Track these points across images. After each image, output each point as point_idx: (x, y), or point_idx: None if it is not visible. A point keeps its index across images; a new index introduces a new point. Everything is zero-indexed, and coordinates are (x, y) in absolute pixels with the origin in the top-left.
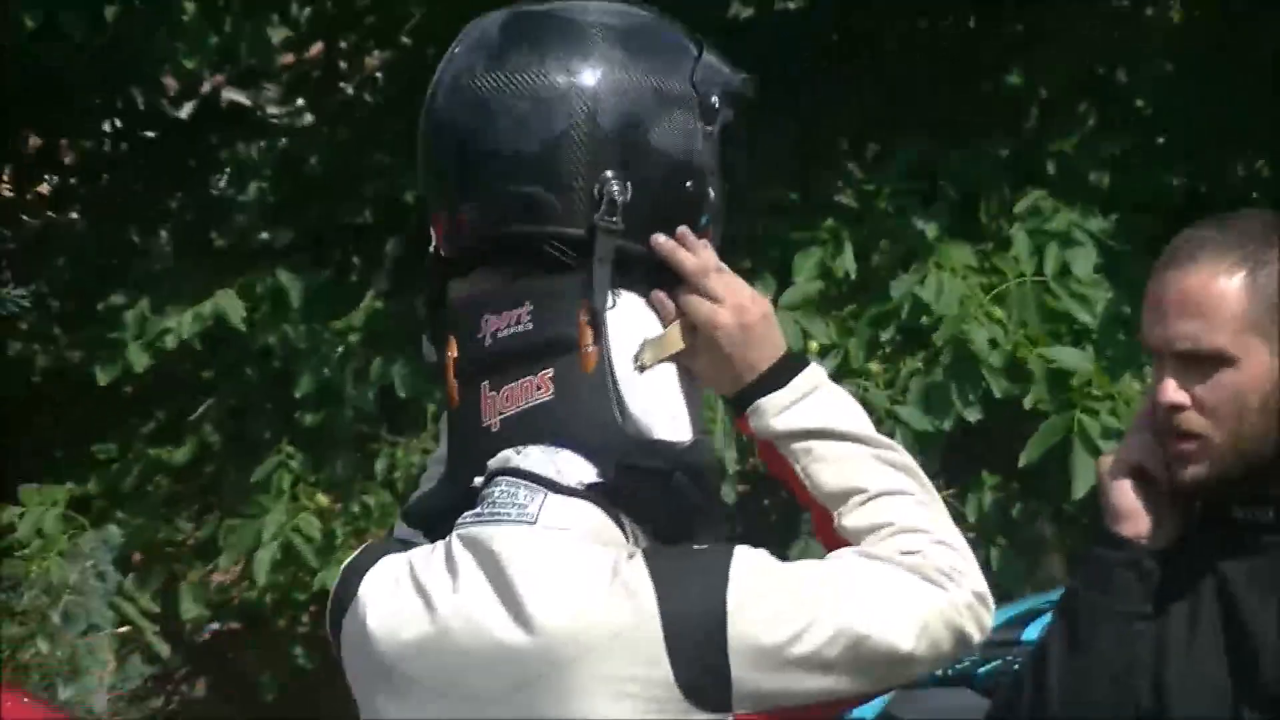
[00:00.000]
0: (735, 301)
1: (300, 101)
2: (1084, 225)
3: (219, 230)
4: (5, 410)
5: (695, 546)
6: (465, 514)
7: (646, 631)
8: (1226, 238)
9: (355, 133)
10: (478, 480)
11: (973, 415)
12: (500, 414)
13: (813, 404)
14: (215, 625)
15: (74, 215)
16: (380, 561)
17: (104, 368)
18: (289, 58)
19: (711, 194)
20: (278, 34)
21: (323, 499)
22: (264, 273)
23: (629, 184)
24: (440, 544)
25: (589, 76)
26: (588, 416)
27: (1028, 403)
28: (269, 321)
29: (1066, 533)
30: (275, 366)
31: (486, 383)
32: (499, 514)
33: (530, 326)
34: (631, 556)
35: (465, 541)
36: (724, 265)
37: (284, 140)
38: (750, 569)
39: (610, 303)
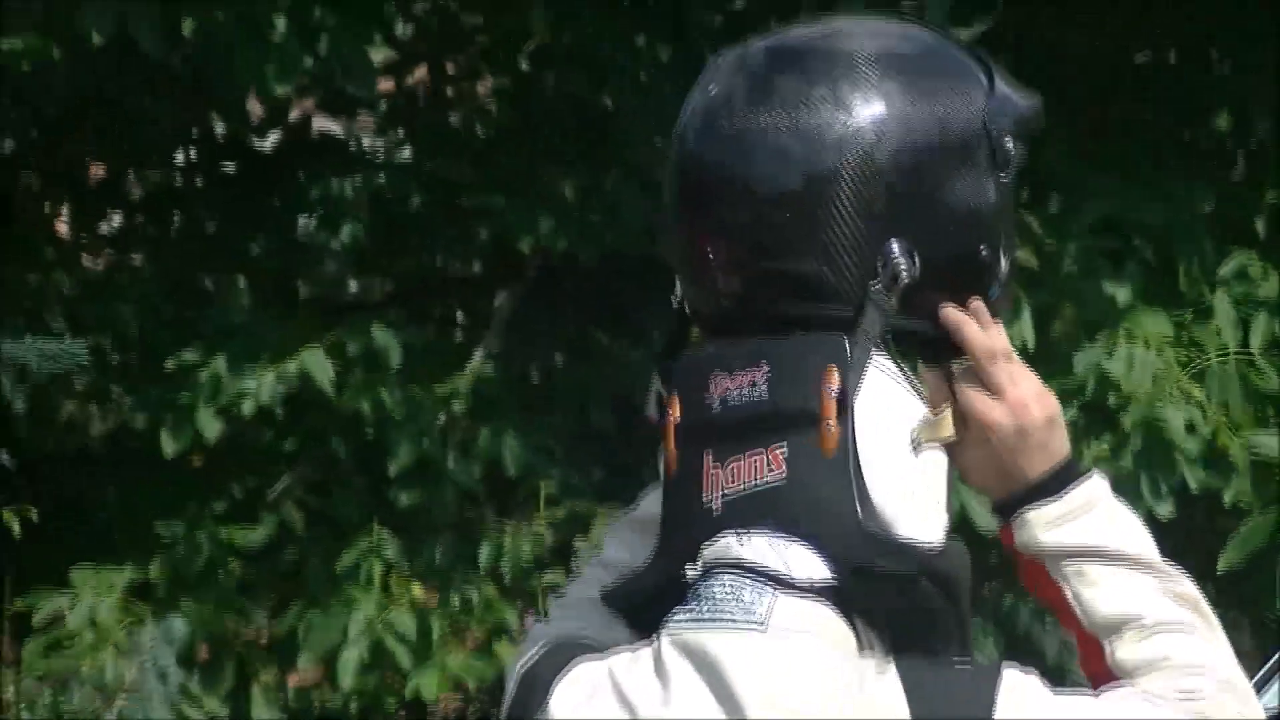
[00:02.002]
0: (1018, 398)
1: (400, 132)
2: None
3: (305, 278)
4: (56, 481)
5: (956, 663)
6: (677, 612)
7: None
8: None
9: (463, 170)
10: (690, 571)
11: (1164, 510)
12: (723, 492)
13: (1090, 520)
14: None
15: (139, 258)
16: (573, 668)
17: (171, 434)
18: (389, 82)
19: (1003, 261)
20: (377, 54)
21: (418, 591)
22: (356, 328)
23: (915, 256)
24: (645, 649)
25: (863, 116)
26: (823, 506)
27: (1228, 497)
28: (361, 385)
29: (1271, 647)
30: (367, 436)
31: (710, 452)
32: (720, 616)
33: (765, 393)
34: (882, 671)
35: (679, 647)
36: (1013, 352)
37: (381, 176)
38: (1021, 694)
39: (864, 374)
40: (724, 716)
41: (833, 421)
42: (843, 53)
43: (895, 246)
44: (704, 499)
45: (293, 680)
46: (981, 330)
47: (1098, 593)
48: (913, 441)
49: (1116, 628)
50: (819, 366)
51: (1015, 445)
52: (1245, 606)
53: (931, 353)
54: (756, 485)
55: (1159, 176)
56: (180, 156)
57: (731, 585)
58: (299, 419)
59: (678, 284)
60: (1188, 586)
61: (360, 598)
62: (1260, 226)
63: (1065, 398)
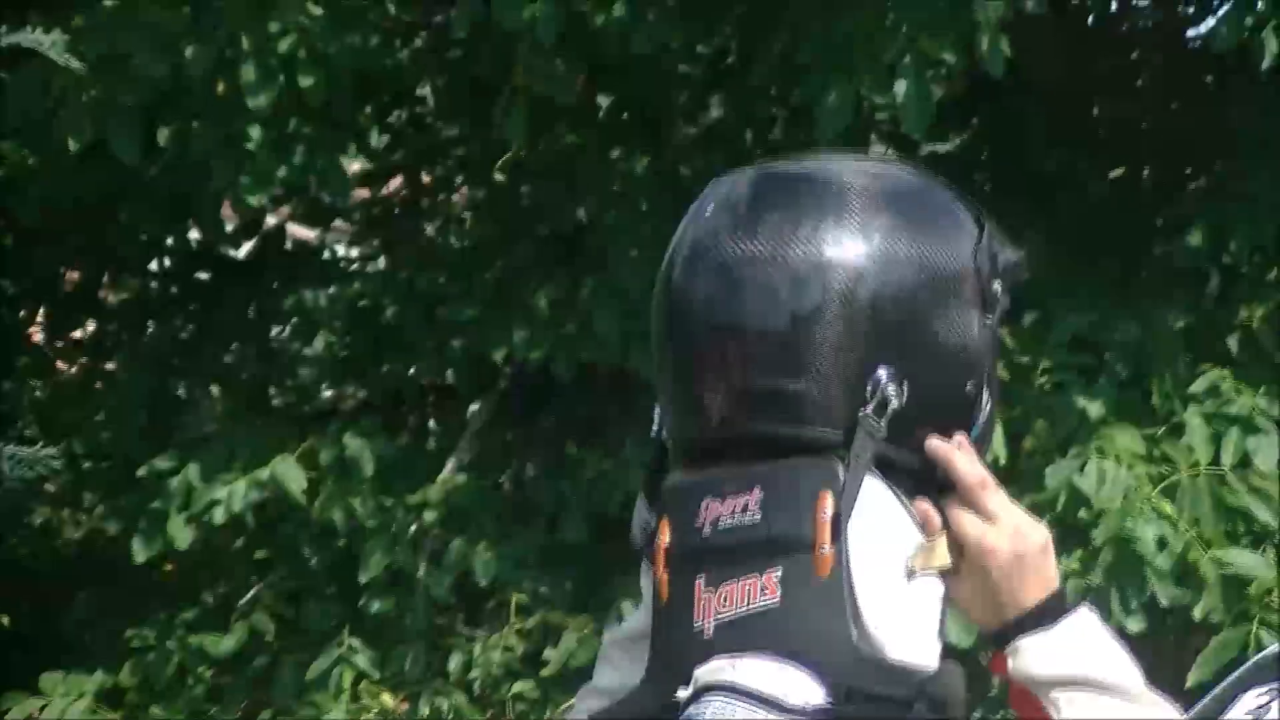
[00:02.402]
0: (1013, 525)
1: (375, 243)
2: (1269, 411)
3: (279, 387)
4: (27, 587)
5: None
6: None
7: None
8: None
9: (437, 280)
10: (681, 693)
11: (1135, 625)
12: (715, 617)
13: (1082, 650)
14: None
15: (113, 365)
16: None
17: (143, 542)
18: (364, 192)
19: (986, 400)
20: (352, 164)
21: (388, 700)
22: (329, 438)
23: (905, 384)
24: None
25: (851, 250)
26: (817, 629)
27: (1198, 612)
28: (333, 494)
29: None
30: (339, 546)
31: (702, 577)
32: None
33: (758, 518)
34: None
35: None
36: (998, 483)
37: (356, 286)
38: None
39: (857, 498)
40: None
41: (827, 546)
42: (834, 188)
43: (884, 373)
44: (695, 623)
45: None
46: (969, 460)
47: None
48: (907, 568)
49: None
50: (813, 491)
51: (1012, 571)
52: None
53: (915, 487)
54: (750, 609)
55: (1132, 292)
56: (155, 264)
57: (724, 708)
58: (271, 527)
59: (656, 412)
60: (1172, 715)
61: (330, 706)
62: (1233, 344)
63: (1036, 512)
